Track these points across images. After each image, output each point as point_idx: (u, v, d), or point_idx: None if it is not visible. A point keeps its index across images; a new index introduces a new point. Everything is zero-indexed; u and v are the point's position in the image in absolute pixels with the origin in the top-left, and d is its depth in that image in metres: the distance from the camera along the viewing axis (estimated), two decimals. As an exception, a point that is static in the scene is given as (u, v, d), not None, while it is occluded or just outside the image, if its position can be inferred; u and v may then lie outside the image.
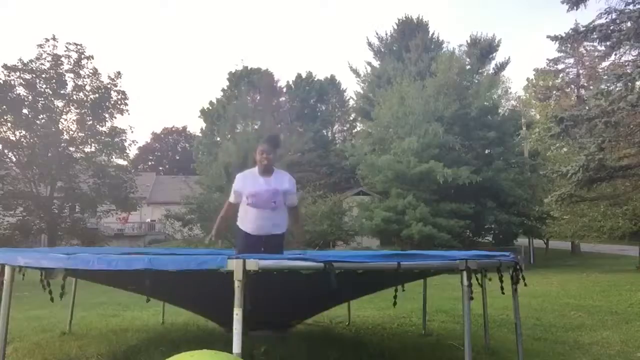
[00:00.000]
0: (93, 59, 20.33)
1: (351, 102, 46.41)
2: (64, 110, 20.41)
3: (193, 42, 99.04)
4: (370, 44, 41.20)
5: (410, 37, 37.46)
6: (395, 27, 40.47)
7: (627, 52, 15.14)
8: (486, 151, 27.34)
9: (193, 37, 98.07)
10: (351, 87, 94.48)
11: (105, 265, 2.82)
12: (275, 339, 4.71)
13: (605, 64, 20.81)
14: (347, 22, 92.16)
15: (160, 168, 62.58)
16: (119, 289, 5.36)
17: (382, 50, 40.58)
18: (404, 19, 40.24)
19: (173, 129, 66.28)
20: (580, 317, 6.80)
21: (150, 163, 63.37)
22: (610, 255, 26.99)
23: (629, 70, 13.62)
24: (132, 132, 28.52)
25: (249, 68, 44.08)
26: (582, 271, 17.38)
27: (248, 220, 4.47)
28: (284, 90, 45.52)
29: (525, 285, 4.10)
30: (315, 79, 46.83)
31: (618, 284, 11.49)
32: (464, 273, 3.21)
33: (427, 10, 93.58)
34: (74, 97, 20.28)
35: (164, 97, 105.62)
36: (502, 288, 4.15)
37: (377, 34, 42.01)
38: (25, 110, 19.46)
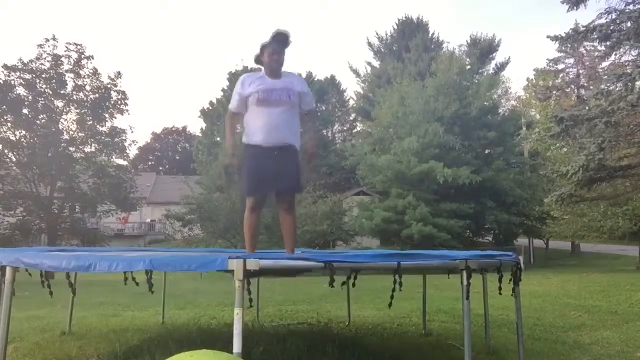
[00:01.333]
0: (93, 59, 20.36)
1: (351, 102, 46.47)
2: (64, 110, 20.42)
3: (193, 42, 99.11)
4: (370, 44, 41.25)
5: (410, 37, 37.49)
6: (395, 27, 40.50)
7: (627, 52, 15.13)
8: (486, 151, 27.36)
9: (193, 37, 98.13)
10: (351, 87, 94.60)
11: (107, 267, 2.82)
12: (275, 339, 4.71)
13: (605, 64, 20.82)
14: (347, 22, 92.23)
15: (160, 168, 62.60)
16: (118, 289, 5.35)
17: (382, 50, 40.59)
18: (404, 19, 40.26)
19: (173, 129, 66.33)
20: (580, 317, 6.80)
21: (150, 163, 63.39)
22: (610, 255, 26.98)
23: (629, 70, 13.61)
24: (132, 132, 28.61)
25: (249, 68, 44.05)
26: (582, 271, 17.38)
27: (258, 128, 3.98)
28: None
29: (520, 283, 4.09)
30: (315, 79, 46.80)
31: (618, 284, 11.49)
32: (464, 273, 3.21)
33: (427, 10, 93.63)
34: (74, 97, 20.28)
35: (164, 97, 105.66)
36: (499, 288, 4.15)
37: (377, 34, 42.15)
38: (25, 110, 19.47)
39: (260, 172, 3.94)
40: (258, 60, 4.12)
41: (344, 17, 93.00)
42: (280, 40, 3.97)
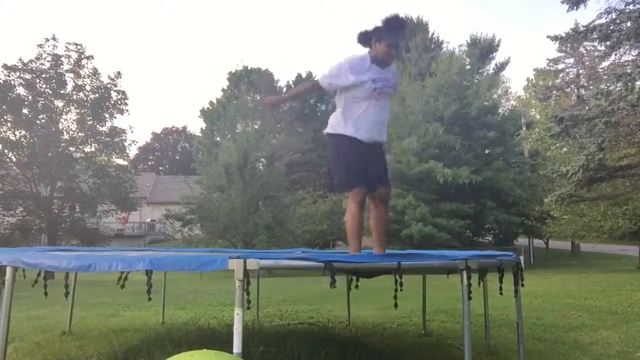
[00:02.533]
0: (93, 59, 20.35)
1: (351, 102, 46.39)
2: (64, 110, 20.42)
3: (193, 42, 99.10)
4: (370, 44, 41.21)
5: (410, 37, 37.45)
6: (395, 27, 40.46)
7: (627, 52, 15.13)
8: (486, 151, 27.35)
9: (193, 37, 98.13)
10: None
11: (106, 267, 2.82)
12: (275, 339, 4.71)
13: (605, 63, 20.80)
14: (347, 21, 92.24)
15: (160, 168, 62.61)
16: (118, 289, 5.35)
17: (382, 50, 40.56)
18: (404, 18, 40.22)
19: (173, 128, 66.34)
20: (580, 317, 6.80)
21: (150, 163, 63.41)
22: (610, 255, 26.98)
23: (629, 70, 13.59)
24: (132, 132, 28.55)
25: (249, 68, 44.09)
26: (582, 271, 17.38)
27: (362, 121, 3.56)
28: (284, 90, 45.55)
29: (523, 285, 4.09)
30: (315, 79, 46.82)
31: (618, 284, 11.49)
32: (464, 273, 3.21)
33: (427, 11, 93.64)
34: (74, 97, 20.28)
35: (164, 97, 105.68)
36: (500, 289, 4.15)
37: (377, 33, 41.94)
38: (25, 110, 19.47)
39: (362, 167, 3.57)
40: (366, 41, 3.65)
41: (343, 16, 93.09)
42: (399, 32, 3.67)
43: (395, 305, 4.55)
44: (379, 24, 3.51)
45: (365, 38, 3.60)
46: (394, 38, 3.57)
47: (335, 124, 3.66)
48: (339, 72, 3.57)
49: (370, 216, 3.99)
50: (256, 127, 29.23)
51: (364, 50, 3.64)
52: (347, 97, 3.61)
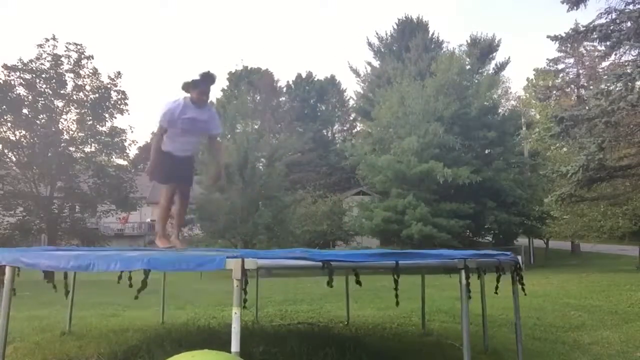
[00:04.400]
0: (93, 59, 20.34)
1: (351, 102, 46.48)
2: (64, 110, 20.40)
3: (193, 42, 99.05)
4: (370, 44, 41.22)
5: (410, 37, 37.45)
6: (395, 27, 40.47)
7: (627, 52, 15.10)
8: (486, 151, 27.37)
9: (193, 37, 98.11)
10: (351, 87, 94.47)
11: (105, 266, 2.82)
12: (275, 339, 4.71)
13: (605, 63, 20.77)
14: (347, 22, 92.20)
15: (161, 168, 62.51)
16: (118, 289, 5.35)
17: (382, 50, 40.56)
18: (404, 19, 40.23)
19: (173, 128, 66.23)
20: (580, 317, 6.80)
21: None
22: (610, 255, 26.98)
23: (629, 70, 13.58)
24: (132, 132, 28.60)
25: (249, 68, 44.08)
26: (582, 271, 17.37)
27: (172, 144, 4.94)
28: (284, 90, 45.53)
29: (525, 293, 4.08)
30: (315, 79, 46.83)
31: (618, 284, 11.48)
32: (463, 272, 3.21)
33: (427, 11, 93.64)
34: (74, 97, 20.27)
35: (164, 97, 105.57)
36: (496, 288, 4.15)
37: (377, 33, 42.04)
38: (25, 110, 19.45)
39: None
40: (187, 89, 4.74)
41: (344, 17, 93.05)
42: (209, 84, 4.71)
43: (397, 304, 4.55)
44: (197, 77, 4.64)
45: (186, 87, 4.72)
46: (205, 87, 4.67)
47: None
48: (162, 118, 4.72)
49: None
50: (256, 127, 29.21)
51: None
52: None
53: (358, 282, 3.69)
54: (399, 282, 3.37)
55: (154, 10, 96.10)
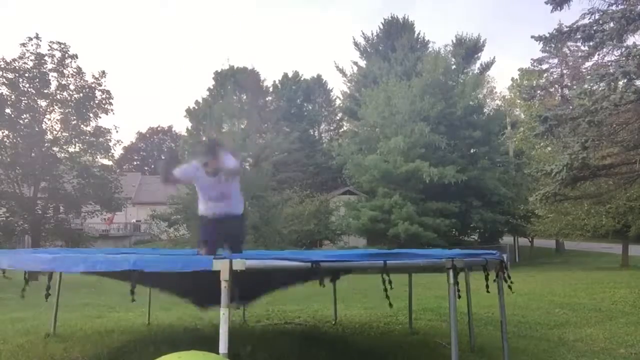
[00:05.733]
0: (77, 58, 20.03)
1: (338, 102, 46.50)
2: (48, 109, 20.12)
3: (179, 41, 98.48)
4: (356, 44, 41.29)
5: (396, 37, 37.56)
6: (381, 27, 40.59)
7: (610, 52, 15.24)
8: (471, 150, 27.56)
9: (179, 36, 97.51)
10: (338, 87, 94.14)
11: (90, 267, 2.79)
12: (263, 339, 4.70)
13: (588, 64, 20.91)
14: (334, 21, 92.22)
15: (146, 168, 62.07)
16: (103, 290, 5.30)
17: (369, 50, 40.66)
18: (390, 18, 40.37)
19: (158, 128, 65.84)
20: (565, 315, 6.87)
21: (135, 163, 62.88)
22: (594, 253, 27.30)
23: (611, 70, 13.71)
24: (117, 131, 28.19)
25: (235, 67, 43.87)
26: (567, 269, 17.58)
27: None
28: (271, 89, 45.41)
29: (512, 290, 4.11)
30: (302, 79, 46.78)
31: (602, 282, 11.63)
32: (450, 272, 3.22)
33: (412, 11, 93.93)
34: (58, 96, 19.98)
35: (149, 97, 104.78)
36: (487, 286, 4.17)
37: (363, 33, 42.02)
38: (8, 110, 19.14)
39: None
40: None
41: (330, 17, 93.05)
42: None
43: (390, 305, 4.55)
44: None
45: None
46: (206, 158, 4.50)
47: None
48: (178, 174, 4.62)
49: None
50: (242, 126, 29.11)
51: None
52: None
53: (333, 281, 3.70)
54: (385, 281, 3.38)
55: (140, 8, 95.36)
